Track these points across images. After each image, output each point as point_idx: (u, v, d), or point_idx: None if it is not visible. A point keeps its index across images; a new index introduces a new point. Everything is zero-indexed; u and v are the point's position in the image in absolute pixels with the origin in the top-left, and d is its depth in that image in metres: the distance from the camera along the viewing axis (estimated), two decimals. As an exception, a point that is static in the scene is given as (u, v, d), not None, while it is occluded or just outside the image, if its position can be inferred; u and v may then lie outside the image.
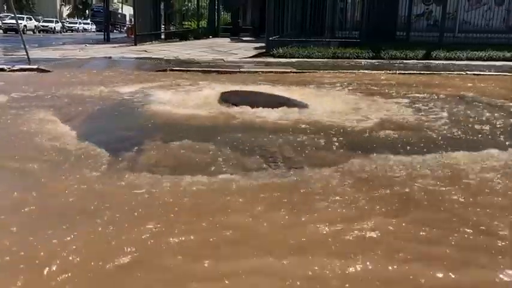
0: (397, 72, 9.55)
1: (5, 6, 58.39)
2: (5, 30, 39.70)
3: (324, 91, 6.82)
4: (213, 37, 18.90)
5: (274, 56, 12.48)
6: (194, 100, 5.46)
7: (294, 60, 11.90)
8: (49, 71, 8.95)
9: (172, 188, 2.77)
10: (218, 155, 3.43)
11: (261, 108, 4.96)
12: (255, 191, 2.78)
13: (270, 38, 12.99)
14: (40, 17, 50.99)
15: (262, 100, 5.47)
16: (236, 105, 5.14)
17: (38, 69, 9.07)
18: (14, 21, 35.88)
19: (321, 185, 2.87)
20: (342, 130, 4.32)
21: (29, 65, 9.60)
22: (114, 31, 58.03)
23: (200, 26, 18.93)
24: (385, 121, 4.70)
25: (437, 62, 12.03)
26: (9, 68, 9.13)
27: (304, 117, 4.70)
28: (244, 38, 18.29)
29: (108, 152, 3.43)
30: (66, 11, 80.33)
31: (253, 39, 17.89)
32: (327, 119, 4.73)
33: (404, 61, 12.09)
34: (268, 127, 4.36)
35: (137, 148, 3.57)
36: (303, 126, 4.38)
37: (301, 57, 12.33)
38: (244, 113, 4.80)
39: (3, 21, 41.50)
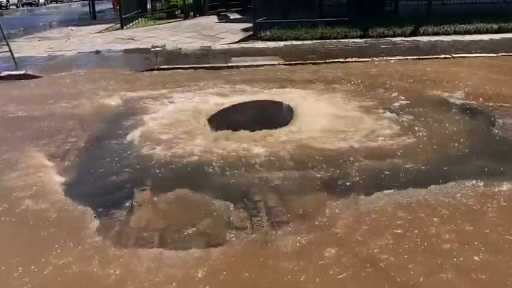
0: (384, 59, 9.57)
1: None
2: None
3: (311, 94, 6.89)
4: (200, 15, 18.56)
5: (262, 39, 12.43)
6: (181, 126, 5.53)
7: (281, 44, 11.87)
8: (37, 77, 8.97)
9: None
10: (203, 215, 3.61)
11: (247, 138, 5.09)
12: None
13: (257, 20, 12.88)
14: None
15: (249, 121, 5.65)
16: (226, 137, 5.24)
17: (25, 75, 9.06)
18: (-5, -3, 35.09)
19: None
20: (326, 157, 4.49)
21: (16, 69, 9.58)
22: (102, -2, 56.62)
23: (186, 2, 18.56)
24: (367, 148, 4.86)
25: (425, 39, 12.02)
26: (-4, 76, 9.13)
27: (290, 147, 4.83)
28: (231, 17, 17.98)
29: (94, 215, 3.60)
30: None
31: (240, 17, 17.62)
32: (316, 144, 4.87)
33: (393, 39, 12.08)
34: (254, 164, 4.52)
35: (126, 207, 3.74)
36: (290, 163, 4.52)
37: (289, 39, 12.29)
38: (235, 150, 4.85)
39: (-16, -3, 40.39)
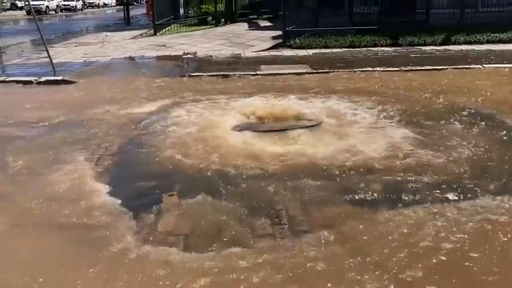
0: (412, 68, 9.55)
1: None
2: (28, 12, 40.15)
3: (341, 109, 6.86)
4: (230, 22, 18.82)
5: (291, 47, 12.55)
6: (211, 133, 5.71)
7: (311, 52, 11.97)
8: (73, 82, 9.35)
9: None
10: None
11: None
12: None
13: (287, 29, 13.02)
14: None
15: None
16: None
17: (62, 81, 9.46)
18: (36, 2, 36.48)
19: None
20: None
21: (54, 74, 10.00)
22: (135, 3, 58.07)
23: (218, 9, 18.87)
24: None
25: (456, 47, 11.90)
26: (36, 80, 9.56)
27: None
28: (262, 24, 18.19)
29: (129, 219, 3.80)
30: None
31: (271, 24, 17.80)
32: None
33: (422, 48, 12.03)
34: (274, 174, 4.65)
35: (156, 210, 3.93)
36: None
37: (318, 47, 12.38)
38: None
39: (26, 3, 41.94)
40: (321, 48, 12.35)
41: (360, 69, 9.55)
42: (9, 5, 44.80)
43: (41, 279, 3.07)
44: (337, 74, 9.34)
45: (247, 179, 4.47)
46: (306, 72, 9.54)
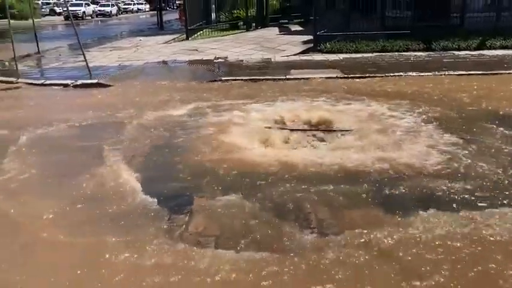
0: (446, 73, 9.39)
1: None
2: (66, 17, 41.39)
3: (375, 114, 6.75)
4: (261, 27, 18.93)
5: (321, 52, 12.53)
6: (240, 140, 5.75)
7: (341, 56, 11.92)
8: (108, 85, 9.61)
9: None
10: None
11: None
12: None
13: (318, 33, 13.01)
14: (98, 0, 52.55)
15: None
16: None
17: (98, 84, 9.74)
18: (74, 8, 37.66)
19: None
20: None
21: (90, 78, 10.30)
22: (167, 8, 59.14)
23: (249, 14, 19.01)
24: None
25: (491, 52, 11.63)
26: (72, 83, 9.88)
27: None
28: (292, 29, 18.23)
29: (164, 217, 3.90)
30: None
31: (301, 29, 17.81)
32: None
33: (456, 53, 11.80)
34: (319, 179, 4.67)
35: (186, 211, 4.02)
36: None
37: (349, 52, 12.32)
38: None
39: (64, 9, 43.35)
40: (351, 52, 12.29)
41: (392, 74, 9.45)
42: (48, 10, 46.33)
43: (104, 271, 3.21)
44: (368, 79, 9.28)
45: (280, 182, 4.51)
46: (337, 77, 9.51)
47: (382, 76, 9.40)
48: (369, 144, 5.36)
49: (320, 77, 9.50)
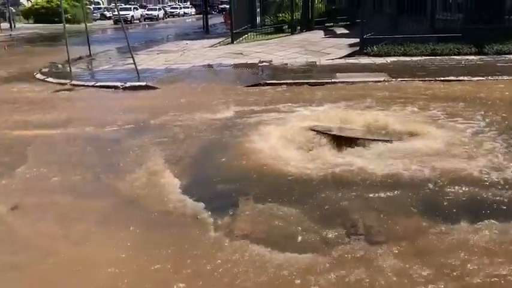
0: (499, 78, 9.03)
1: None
2: (115, 21, 42.79)
3: (426, 119, 6.52)
4: (306, 30, 18.85)
5: (368, 55, 12.33)
6: (285, 143, 5.73)
7: (389, 60, 11.68)
8: (156, 88, 9.83)
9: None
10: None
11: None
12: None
13: (365, 36, 12.81)
14: (146, 4, 54.06)
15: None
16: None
17: (146, 87, 9.98)
18: (123, 12, 38.85)
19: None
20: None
21: (138, 80, 10.57)
22: (213, 12, 60.02)
23: (294, 17, 18.96)
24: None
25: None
26: (122, 86, 10.17)
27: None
28: (338, 32, 18.05)
29: (208, 218, 3.94)
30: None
31: (347, 32, 17.61)
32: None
33: (510, 57, 11.30)
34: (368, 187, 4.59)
35: (232, 212, 4.03)
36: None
37: (397, 55, 12.05)
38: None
39: (114, 13, 44.86)
40: (399, 56, 12.01)
41: (442, 78, 9.18)
42: (99, 15, 48.05)
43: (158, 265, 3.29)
44: (417, 83, 9.04)
45: (326, 186, 4.46)
46: (384, 81, 9.33)
47: (432, 80, 9.15)
48: (428, 152, 5.17)
49: (367, 81, 9.35)
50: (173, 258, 3.38)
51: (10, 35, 29.71)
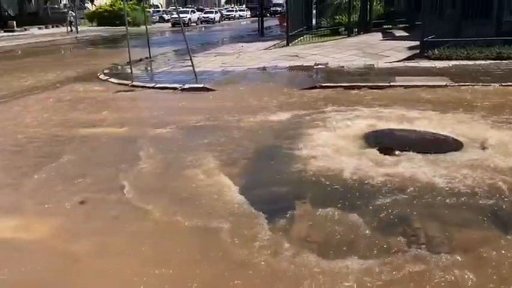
0: None
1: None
2: (173, 24, 43.97)
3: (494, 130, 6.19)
4: (364, 32, 18.55)
5: (429, 58, 11.94)
6: (345, 148, 5.68)
7: (451, 63, 11.25)
8: (213, 90, 10.00)
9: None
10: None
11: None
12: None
13: (425, 39, 12.42)
14: (203, 7, 55.24)
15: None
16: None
17: (204, 88, 10.17)
18: (181, 15, 39.83)
19: None
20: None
21: (196, 82, 10.80)
22: (267, 15, 60.31)
23: (352, 20, 18.71)
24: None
25: None
26: (180, 87, 10.42)
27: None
28: (397, 34, 17.62)
29: (265, 221, 3.94)
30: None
31: (406, 34, 17.15)
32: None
33: None
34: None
35: (289, 216, 4.02)
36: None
37: (460, 59, 11.58)
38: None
39: (172, 16, 46.17)
40: (462, 59, 11.54)
41: (510, 83, 8.72)
42: (157, 18, 49.59)
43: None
44: (482, 88, 8.65)
45: (387, 194, 4.36)
46: (446, 85, 8.99)
47: (498, 85, 8.72)
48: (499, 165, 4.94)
49: (428, 85, 9.04)
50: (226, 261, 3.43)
51: (76, 37, 31.25)
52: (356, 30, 18.68)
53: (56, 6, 46.12)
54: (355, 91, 9.05)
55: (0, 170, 5.59)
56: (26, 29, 38.06)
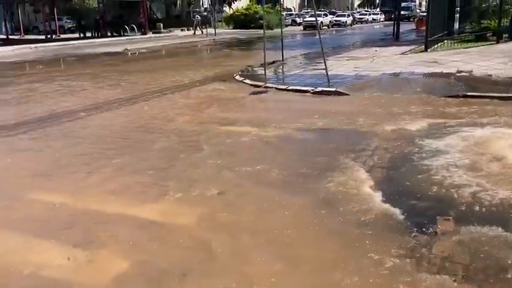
0: None
1: (306, 2, 65.52)
2: (305, 27, 44.47)
3: None
4: (517, 38, 16.85)
5: None
6: (488, 159, 5.24)
7: None
8: (345, 94, 9.89)
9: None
10: None
11: None
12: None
13: None
14: (335, 11, 55.11)
15: None
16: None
17: (336, 92, 10.11)
18: (312, 19, 40.16)
19: None
20: None
21: (328, 86, 10.77)
22: (403, 20, 57.97)
23: (502, 24, 17.08)
24: None
25: None
26: (312, 90, 10.49)
27: None
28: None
29: (406, 233, 3.79)
30: (357, 1, 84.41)
31: None
32: None
33: None
34: None
35: (429, 231, 3.81)
36: None
37: None
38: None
39: (304, 19, 46.76)
40: None
41: None
42: (290, 21, 50.61)
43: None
44: None
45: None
46: None
47: None
48: None
49: None
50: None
51: (214, 39, 33.26)
52: (507, 36, 16.99)
53: (198, 9, 49.56)
54: (506, 102, 8.24)
55: (153, 157, 6.15)
56: (170, 31, 41.72)
